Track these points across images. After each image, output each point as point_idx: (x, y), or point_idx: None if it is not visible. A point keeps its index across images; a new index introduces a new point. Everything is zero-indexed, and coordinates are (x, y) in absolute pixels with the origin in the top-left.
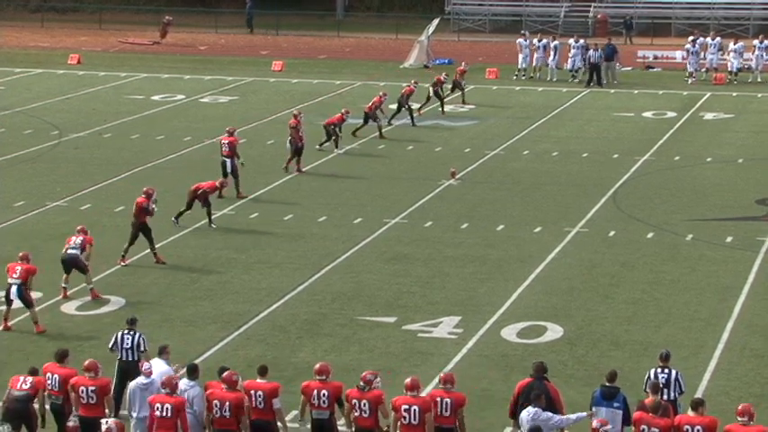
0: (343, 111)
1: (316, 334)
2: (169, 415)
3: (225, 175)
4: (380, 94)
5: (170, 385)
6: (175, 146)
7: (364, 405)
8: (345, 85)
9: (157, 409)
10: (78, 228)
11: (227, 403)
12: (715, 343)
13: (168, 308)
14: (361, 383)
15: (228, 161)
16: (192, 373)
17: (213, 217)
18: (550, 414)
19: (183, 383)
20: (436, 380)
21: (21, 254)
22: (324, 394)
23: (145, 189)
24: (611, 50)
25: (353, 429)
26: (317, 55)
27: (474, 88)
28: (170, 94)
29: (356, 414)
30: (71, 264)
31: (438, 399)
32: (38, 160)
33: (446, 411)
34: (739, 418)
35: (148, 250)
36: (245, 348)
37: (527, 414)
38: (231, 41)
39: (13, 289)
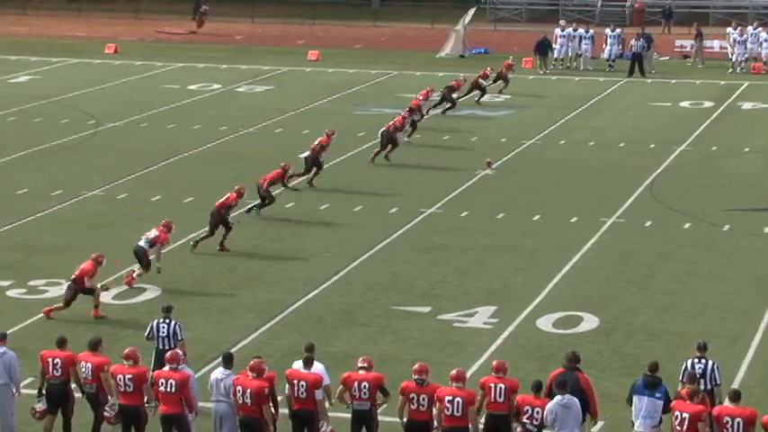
0: (422, 93)
1: (351, 323)
2: (173, 390)
3: (309, 169)
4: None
5: (175, 360)
6: (212, 135)
7: (423, 399)
8: (381, 75)
9: (161, 384)
10: (163, 221)
11: (249, 391)
12: (752, 333)
13: (204, 296)
14: (417, 377)
15: (309, 154)
16: (228, 362)
17: (251, 207)
18: (579, 412)
19: (220, 373)
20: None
21: (94, 255)
22: (364, 386)
23: (237, 187)
24: (647, 40)
25: (406, 421)
26: (352, 44)
27: (510, 78)
28: (206, 83)
29: (413, 407)
30: (137, 255)
31: (491, 385)
32: (75, 150)
33: (500, 397)
34: None
35: (185, 240)
36: (281, 338)
37: (559, 399)
38: (267, 31)
39: (69, 284)
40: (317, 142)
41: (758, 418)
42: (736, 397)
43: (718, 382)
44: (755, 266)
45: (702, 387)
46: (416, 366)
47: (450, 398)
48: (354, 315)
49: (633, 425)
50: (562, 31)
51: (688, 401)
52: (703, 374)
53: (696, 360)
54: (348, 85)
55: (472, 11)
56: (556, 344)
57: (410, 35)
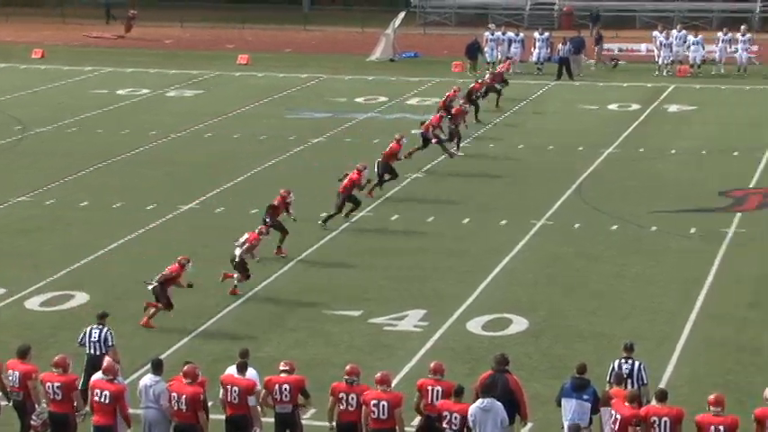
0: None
1: (281, 328)
2: (107, 402)
3: (383, 177)
4: (454, 88)
5: (111, 371)
6: (141, 140)
7: (352, 399)
8: (311, 79)
9: (96, 395)
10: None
11: (184, 397)
12: (678, 334)
13: (134, 302)
14: (347, 377)
15: (381, 163)
16: (157, 368)
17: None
18: (503, 413)
19: (149, 379)
20: (406, 370)
21: (180, 257)
22: (285, 388)
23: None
24: (580, 43)
25: (335, 423)
26: (282, 48)
27: (439, 81)
28: (135, 88)
29: (342, 407)
30: (232, 263)
31: (429, 387)
32: (1, 155)
33: (437, 400)
34: (711, 408)
35: (120, 242)
36: (211, 343)
37: (479, 403)
38: (197, 35)
39: (155, 286)
40: (387, 149)
41: (684, 417)
42: (663, 396)
43: (645, 381)
44: (682, 268)
45: (629, 387)
46: (348, 368)
47: (376, 401)
48: (284, 319)
49: (563, 427)
50: (492, 34)
51: (627, 404)
52: (630, 375)
53: (623, 360)
54: (278, 89)
55: (402, 15)
56: (485, 346)
57: (340, 39)
